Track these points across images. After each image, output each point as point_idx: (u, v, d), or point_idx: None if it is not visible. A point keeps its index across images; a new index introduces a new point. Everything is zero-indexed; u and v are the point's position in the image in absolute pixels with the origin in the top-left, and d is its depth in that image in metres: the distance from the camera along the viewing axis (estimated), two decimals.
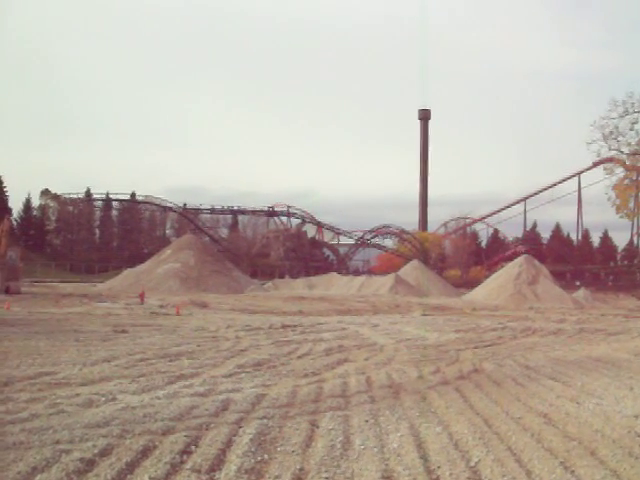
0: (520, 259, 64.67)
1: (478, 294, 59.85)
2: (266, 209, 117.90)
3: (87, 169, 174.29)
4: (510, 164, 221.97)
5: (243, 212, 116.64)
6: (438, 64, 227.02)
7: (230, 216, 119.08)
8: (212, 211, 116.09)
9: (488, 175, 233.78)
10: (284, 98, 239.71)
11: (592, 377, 12.62)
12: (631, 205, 24.35)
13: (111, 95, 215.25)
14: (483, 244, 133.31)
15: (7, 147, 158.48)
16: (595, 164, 69.18)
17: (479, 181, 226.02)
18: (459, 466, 6.52)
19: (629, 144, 21.68)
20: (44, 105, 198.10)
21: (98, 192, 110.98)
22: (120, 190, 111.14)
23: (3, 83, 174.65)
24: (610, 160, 23.53)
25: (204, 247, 66.50)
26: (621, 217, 24.31)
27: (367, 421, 8.39)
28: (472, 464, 6.62)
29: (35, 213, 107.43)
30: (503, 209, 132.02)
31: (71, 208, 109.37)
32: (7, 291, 39.83)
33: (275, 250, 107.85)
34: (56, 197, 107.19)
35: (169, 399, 9.36)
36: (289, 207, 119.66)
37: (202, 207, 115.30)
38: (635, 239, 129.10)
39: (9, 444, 6.75)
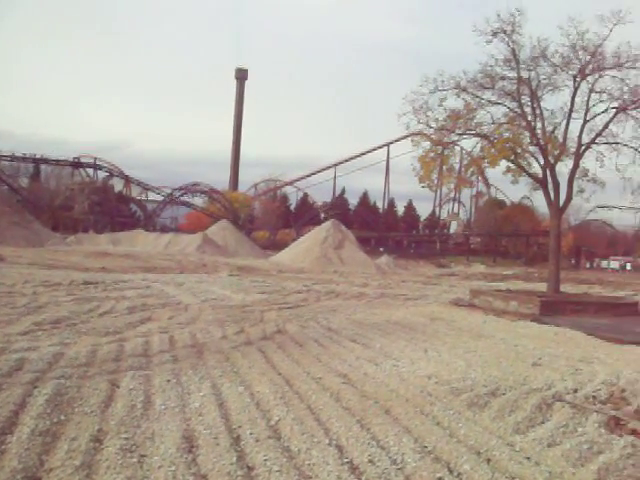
0: (327, 224, 66.27)
1: (285, 256, 60.79)
2: (71, 160, 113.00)
3: None
4: (325, 130, 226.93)
5: (46, 161, 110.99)
6: (259, 24, 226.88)
7: (32, 165, 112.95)
8: (12, 158, 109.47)
9: (303, 140, 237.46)
10: (103, 43, 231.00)
11: (390, 340, 13.15)
12: (434, 177, 25.59)
13: None
14: (293, 207, 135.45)
15: None
16: (404, 136, 71.77)
17: (293, 145, 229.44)
18: (260, 425, 6.58)
19: (437, 119, 22.70)
20: None
21: None
22: None
23: None
24: (418, 133, 24.59)
25: (2, 197, 62.95)
26: (423, 187, 25.43)
27: (169, 381, 8.29)
28: (272, 423, 6.70)
29: None
30: (314, 173, 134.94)
31: None
32: None
33: (79, 203, 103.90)
34: None
35: None
36: (96, 159, 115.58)
37: (1, 154, 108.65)
38: (437, 210, 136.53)
39: None
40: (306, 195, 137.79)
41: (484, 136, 23.32)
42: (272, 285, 27.77)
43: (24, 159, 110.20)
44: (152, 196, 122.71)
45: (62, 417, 6.53)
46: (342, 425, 6.67)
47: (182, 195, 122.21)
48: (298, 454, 5.83)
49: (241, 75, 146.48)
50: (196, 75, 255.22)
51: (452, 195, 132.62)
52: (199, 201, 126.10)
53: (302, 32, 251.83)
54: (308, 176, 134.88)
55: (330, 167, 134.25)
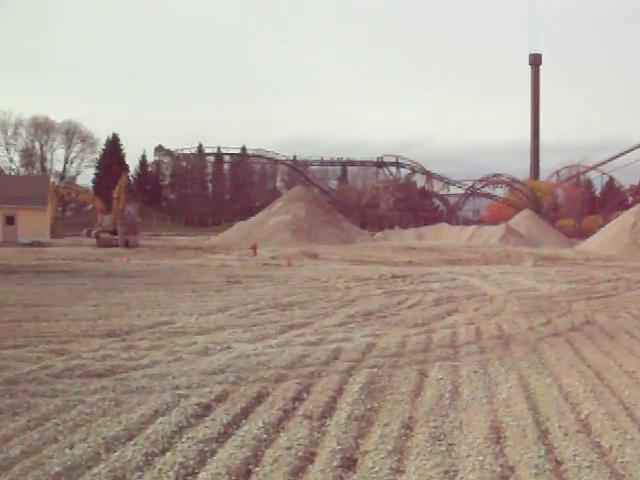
0: (636, 208, 62.30)
1: (592, 244, 58.14)
2: (375, 160, 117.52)
3: (199, 124, 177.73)
4: (628, 108, 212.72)
5: (352, 163, 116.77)
6: (549, 5, 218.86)
7: (339, 167, 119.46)
8: (321, 163, 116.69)
9: (604, 120, 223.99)
10: (395, 48, 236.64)
11: None
12: None
13: (221, 50, 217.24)
14: (598, 193, 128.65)
15: (122, 105, 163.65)
16: None
17: (594, 127, 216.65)
18: (569, 419, 6.49)
19: None
20: (155, 63, 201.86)
21: (210, 146, 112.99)
22: (231, 144, 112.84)
23: (114, 43, 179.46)
24: None
25: (314, 199, 66.98)
26: None
27: (476, 372, 8.43)
28: (582, 417, 6.58)
29: (150, 169, 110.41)
30: (619, 156, 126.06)
31: (184, 163, 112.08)
32: (126, 244, 41.77)
33: (384, 201, 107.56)
34: (169, 153, 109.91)
35: (281, 348, 9.66)
36: (398, 157, 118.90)
37: (311, 159, 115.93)
38: None
39: (132, 389, 7.18)
40: (612, 179, 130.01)
41: None
42: (579, 274, 26.78)
43: (332, 163, 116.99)
44: (453, 190, 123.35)
45: (375, 404, 6.95)
46: None
47: (483, 187, 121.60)
48: (610, 451, 5.68)
49: (535, 60, 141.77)
50: (490, 65, 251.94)
51: None
52: (500, 192, 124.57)
53: (593, 7, 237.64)
54: (613, 159, 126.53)
55: (637, 147, 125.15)
